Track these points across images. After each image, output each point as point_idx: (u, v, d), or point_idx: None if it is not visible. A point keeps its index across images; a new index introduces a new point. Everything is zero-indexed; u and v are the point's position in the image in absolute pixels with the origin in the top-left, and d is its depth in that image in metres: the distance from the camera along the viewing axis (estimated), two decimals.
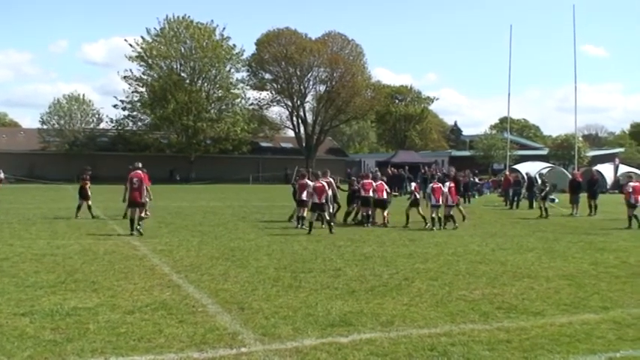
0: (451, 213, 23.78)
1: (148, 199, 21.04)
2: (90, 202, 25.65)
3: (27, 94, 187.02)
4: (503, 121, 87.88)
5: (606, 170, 58.39)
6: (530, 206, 34.94)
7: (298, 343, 8.09)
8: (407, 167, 51.67)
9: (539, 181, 33.82)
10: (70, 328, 8.66)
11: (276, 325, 8.95)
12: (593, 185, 32.25)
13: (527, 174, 40.12)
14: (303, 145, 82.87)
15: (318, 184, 22.28)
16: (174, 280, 12.28)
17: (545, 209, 29.40)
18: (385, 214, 24.18)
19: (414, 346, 8.02)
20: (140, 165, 21.24)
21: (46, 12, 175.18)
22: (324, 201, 22.12)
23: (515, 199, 36.54)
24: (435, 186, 24.08)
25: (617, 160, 63.60)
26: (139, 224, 19.98)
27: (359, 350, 7.81)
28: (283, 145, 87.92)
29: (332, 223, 21.78)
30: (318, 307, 10.06)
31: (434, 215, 23.43)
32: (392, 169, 50.13)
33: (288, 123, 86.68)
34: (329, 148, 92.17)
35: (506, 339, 8.39)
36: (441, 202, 23.53)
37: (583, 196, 32.13)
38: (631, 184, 26.23)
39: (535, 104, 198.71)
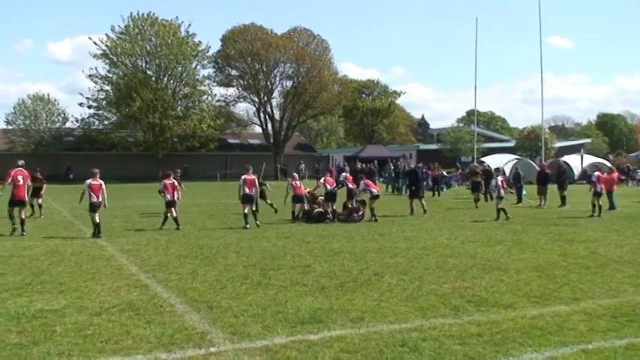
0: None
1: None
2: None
3: None
4: (471, 113, 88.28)
5: (573, 161, 58.76)
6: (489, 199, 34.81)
7: (268, 342, 8.02)
8: (375, 161, 51.54)
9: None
10: (37, 330, 8.54)
11: (245, 323, 8.86)
12: (561, 176, 32.48)
13: (487, 166, 40.23)
14: (271, 141, 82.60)
15: (249, 177, 22.46)
16: (141, 280, 12.16)
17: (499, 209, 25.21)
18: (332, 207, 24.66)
19: (384, 342, 7.98)
20: (22, 163, 20.99)
21: (9, 11, 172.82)
22: (253, 192, 22.30)
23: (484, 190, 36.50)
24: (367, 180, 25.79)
25: (582, 151, 64.09)
26: (23, 229, 19.73)
27: (329, 347, 7.76)
28: (251, 141, 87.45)
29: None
30: (287, 304, 9.99)
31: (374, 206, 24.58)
32: (361, 163, 50.27)
33: (256, 119, 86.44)
34: (297, 143, 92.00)
35: (477, 333, 8.37)
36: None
37: (552, 188, 32.36)
38: (596, 173, 27.23)
39: (501, 96, 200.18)
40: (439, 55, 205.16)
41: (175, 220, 21.33)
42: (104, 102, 73.00)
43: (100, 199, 19.58)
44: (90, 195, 19.47)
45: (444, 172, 50.60)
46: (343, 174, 25.85)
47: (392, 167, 49.79)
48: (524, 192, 35.23)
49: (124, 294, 10.84)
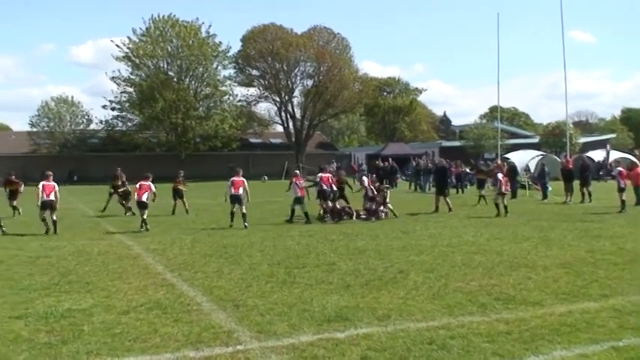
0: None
1: None
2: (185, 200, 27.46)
3: (17, 98, 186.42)
4: (493, 110, 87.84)
5: (598, 157, 58.25)
6: (514, 196, 34.52)
7: (295, 340, 8.01)
8: (390, 159, 50.67)
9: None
10: (65, 330, 8.61)
11: (271, 321, 8.86)
12: (585, 172, 32.14)
13: (511, 163, 40.20)
14: (293, 140, 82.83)
15: (237, 179, 22.63)
16: (168, 279, 12.22)
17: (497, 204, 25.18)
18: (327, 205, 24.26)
19: (412, 340, 7.93)
20: None
21: (32, 16, 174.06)
22: (240, 192, 22.21)
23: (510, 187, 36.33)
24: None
25: (608, 147, 63.58)
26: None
27: (356, 345, 7.73)
28: (273, 140, 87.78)
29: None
30: (313, 302, 9.98)
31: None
32: (382, 161, 49.84)
33: (277, 118, 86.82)
34: (319, 142, 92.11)
35: (505, 330, 8.30)
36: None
37: (577, 184, 32.07)
38: (618, 168, 26.99)
39: (524, 92, 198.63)
40: (460, 51, 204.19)
41: (144, 220, 21.42)
42: (127, 104, 73.67)
43: (52, 198, 20.63)
44: (41, 195, 20.55)
45: (467, 169, 50.40)
46: (319, 174, 24.90)
47: (414, 165, 49.57)
48: (549, 188, 34.96)
49: (151, 293, 10.89)
